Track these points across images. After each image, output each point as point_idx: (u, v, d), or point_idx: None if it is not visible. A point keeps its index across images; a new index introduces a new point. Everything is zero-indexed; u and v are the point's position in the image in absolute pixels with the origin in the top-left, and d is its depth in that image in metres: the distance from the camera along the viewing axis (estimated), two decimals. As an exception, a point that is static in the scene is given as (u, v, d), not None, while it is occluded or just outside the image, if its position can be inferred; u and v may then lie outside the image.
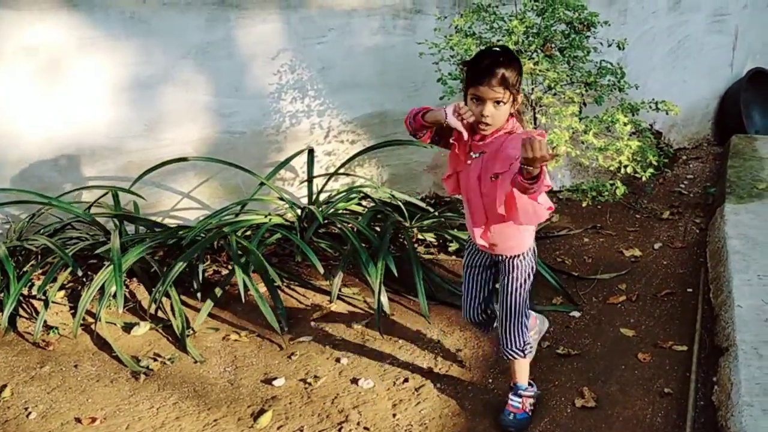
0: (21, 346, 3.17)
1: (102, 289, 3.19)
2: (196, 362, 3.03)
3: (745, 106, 5.95)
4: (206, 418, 2.67)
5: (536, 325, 2.73)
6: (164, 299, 3.32)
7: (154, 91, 3.85)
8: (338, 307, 3.43)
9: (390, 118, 4.38)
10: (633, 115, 3.53)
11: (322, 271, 3.36)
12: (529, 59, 3.46)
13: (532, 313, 2.69)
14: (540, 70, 3.34)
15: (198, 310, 3.34)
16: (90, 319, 3.29)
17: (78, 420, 2.68)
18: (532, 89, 3.64)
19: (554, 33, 3.53)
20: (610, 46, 3.58)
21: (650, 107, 3.57)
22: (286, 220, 3.85)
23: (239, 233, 3.65)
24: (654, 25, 5.04)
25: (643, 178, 3.45)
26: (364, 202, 4.03)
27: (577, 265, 3.83)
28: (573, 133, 3.45)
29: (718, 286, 3.29)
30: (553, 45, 3.48)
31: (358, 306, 3.45)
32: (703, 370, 2.86)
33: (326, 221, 3.69)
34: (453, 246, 3.87)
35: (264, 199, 3.91)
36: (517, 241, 2.41)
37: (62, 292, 3.52)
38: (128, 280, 3.54)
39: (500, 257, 2.46)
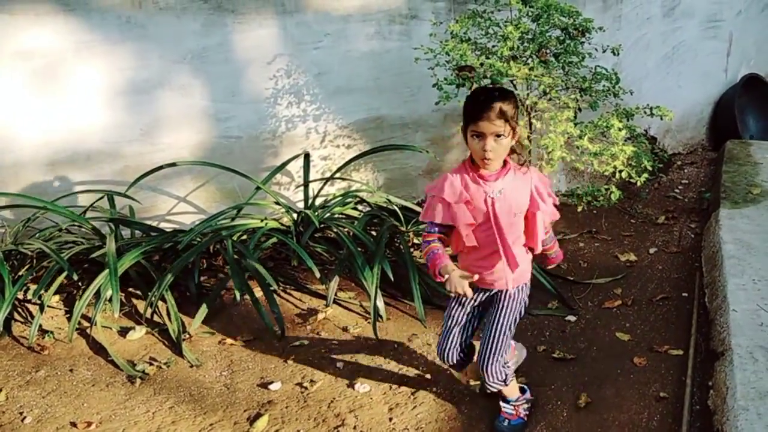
0: (16, 350, 3.16)
1: (97, 294, 3.18)
2: (192, 366, 3.02)
3: (740, 111, 5.97)
4: (202, 422, 2.67)
5: (515, 356, 2.76)
6: (160, 303, 3.31)
7: (150, 95, 3.85)
8: (334, 311, 3.43)
9: (386, 123, 4.39)
10: (628, 120, 3.54)
11: (318, 275, 3.36)
12: (524, 64, 3.48)
13: (512, 342, 2.72)
14: (535, 76, 3.36)
15: (194, 315, 3.33)
16: (85, 324, 3.29)
17: (73, 424, 2.67)
18: (527, 94, 3.65)
19: (549, 39, 3.54)
20: (604, 51, 3.60)
21: (645, 112, 3.59)
22: (282, 225, 3.85)
23: (235, 237, 3.66)
24: (648, 32, 5.06)
25: (638, 183, 3.46)
26: (360, 207, 4.03)
27: (573, 269, 3.84)
28: (568, 138, 3.46)
29: (714, 291, 3.31)
30: (548, 50, 3.49)
31: (354, 310, 3.45)
32: (699, 375, 2.86)
33: (322, 225, 3.69)
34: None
35: (260, 203, 3.91)
36: (525, 269, 2.46)
37: (57, 297, 3.52)
38: (124, 285, 3.52)
39: (500, 291, 2.46)
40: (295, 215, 3.86)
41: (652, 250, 4.04)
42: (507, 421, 2.59)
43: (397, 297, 3.54)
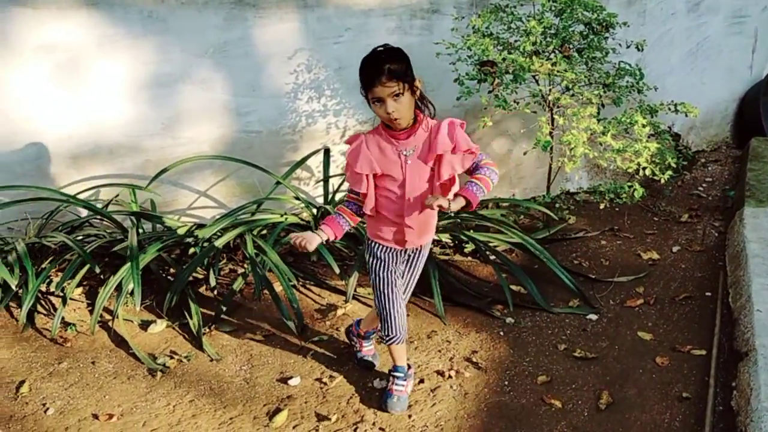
0: (39, 342, 3.19)
1: (119, 287, 3.20)
2: (212, 360, 3.03)
3: (765, 108, 5.89)
4: (222, 416, 2.68)
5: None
6: (181, 297, 3.32)
7: (171, 89, 3.86)
8: (353, 307, 3.43)
9: (406, 119, 4.37)
10: (651, 116, 3.50)
11: (337, 271, 3.36)
12: (546, 60, 3.44)
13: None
14: (558, 71, 3.32)
15: (214, 309, 3.35)
16: (107, 316, 3.31)
17: (95, 416, 2.69)
18: (550, 90, 3.62)
19: (572, 34, 3.50)
20: (628, 47, 3.56)
21: (669, 109, 3.54)
22: (302, 220, 3.85)
23: (255, 232, 3.66)
24: (672, 27, 5.00)
25: (662, 180, 3.42)
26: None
27: (594, 267, 3.81)
28: (591, 134, 3.42)
29: (737, 290, 3.26)
30: (571, 46, 3.46)
31: (372, 306, 3.44)
32: (722, 375, 2.83)
33: (342, 221, 3.68)
34: (469, 247, 3.85)
35: (280, 198, 3.91)
36: (433, 226, 2.53)
37: (80, 289, 3.54)
38: (145, 278, 3.54)
39: (413, 249, 2.53)
40: (314, 210, 3.86)
41: (675, 249, 3.99)
42: (397, 397, 2.67)
43: (417, 294, 3.52)
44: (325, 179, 4.05)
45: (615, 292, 3.54)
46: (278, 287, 3.37)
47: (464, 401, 2.74)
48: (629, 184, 3.62)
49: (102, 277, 3.49)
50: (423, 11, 4.18)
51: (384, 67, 2.15)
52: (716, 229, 4.22)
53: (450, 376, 2.89)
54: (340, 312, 3.38)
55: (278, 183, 3.92)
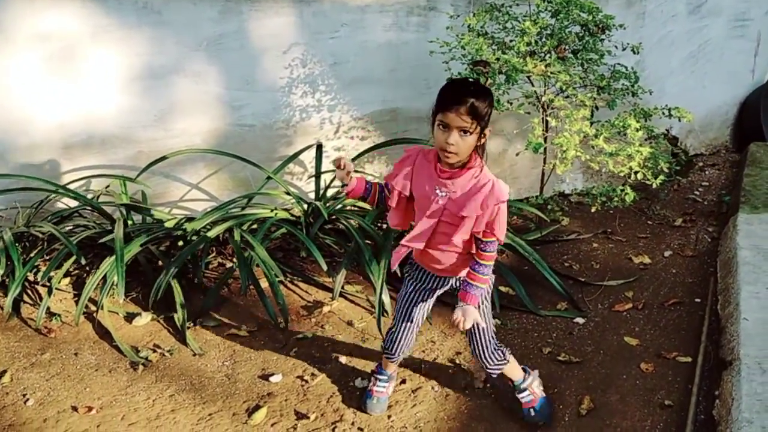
0: (24, 332, 3.18)
1: (105, 278, 3.19)
2: (195, 355, 3.02)
3: (765, 113, 5.84)
4: (201, 411, 2.67)
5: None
6: (167, 290, 3.31)
7: (165, 81, 3.85)
8: (340, 304, 3.42)
9: (401, 116, 4.35)
10: (646, 120, 3.47)
11: (325, 267, 3.34)
12: (541, 61, 3.41)
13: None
14: (552, 72, 3.29)
15: (200, 303, 3.34)
16: (93, 308, 3.30)
17: (74, 408, 2.69)
18: (544, 91, 3.59)
19: (568, 35, 3.47)
20: (624, 49, 3.52)
21: (663, 113, 3.51)
22: (293, 215, 3.83)
23: (245, 227, 3.65)
24: (673, 29, 4.96)
25: (654, 185, 3.39)
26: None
27: (585, 270, 3.79)
28: (584, 136, 3.40)
29: (727, 298, 3.24)
30: (566, 47, 3.43)
31: (360, 304, 3.43)
32: (706, 384, 2.81)
33: (332, 217, 3.67)
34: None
35: (271, 193, 3.90)
36: (461, 268, 2.37)
37: (67, 280, 3.54)
38: (132, 270, 3.54)
39: (449, 279, 2.42)
40: (305, 206, 3.85)
41: (667, 253, 3.97)
42: (530, 409, 2.60)
43: (405, 292, 3.51)
44: (317, 175, 4.03)
45: (604, 296, 3.52)
46: (265, 283, 3.36)
47: (445, 403, 2.73)
48: (621, 187, 3.59)
49: (89, 268, 3.48)
50: (420, 8, 4.15)
51: (469, 100, 2.03)
52: (710, 234, 4.20)
53: (432, 377, 2.88)
54: (326, 309, 3.37)
55: (269, 178, 3.90)
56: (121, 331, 3.18)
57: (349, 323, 3.27)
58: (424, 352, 3.06)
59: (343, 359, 2.99)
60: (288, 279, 3.61)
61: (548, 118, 3.57)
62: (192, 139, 3.98)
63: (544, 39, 3.49)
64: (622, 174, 3.39)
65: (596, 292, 3.56)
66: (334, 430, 2.58)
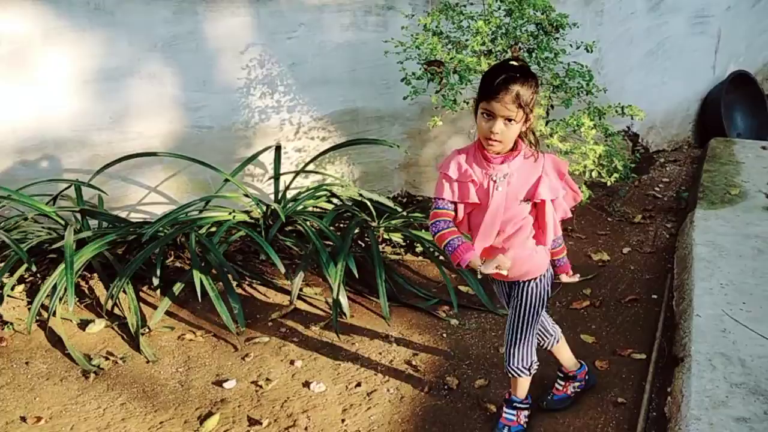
0: (-26, 341, 3.13)
1: (56, 286, 3.14)
2: (148, 362, 2.98)
3: (727, 109, 5.91)
4: (152, 420, 2.64)
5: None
6: (123, 296, 3.27)
7: (120, 83, 3.79)
8: (298, 307, 3.39)
9: (361, 116, 4.33)
10: (600, 118, 3.48)
11: (283, 270, 3.31)
12: (496, 60, 3.41)
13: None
14: (506, 72, 3.29)
15: (156, 308, 3.30)
16: (47, 315, 3.25)
17: (23, 419, 2.64)
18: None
19: (522, 34, 3.47)
20: (578, 48, 3.53)
21: (616, 111, 3.52)
22: (252, 218, 3.80)
23: (204, 230, 3.61)
24: (632, 26, 4.99)
25: (609, 183, 3.41)
26: (335, 200, 3.98)
27: (544, 268, 3.80)
28: (540, 136, 3.40)
29: (681, 294, 3.27)
30: (520, 46, 3.43)
31: (318, 306, 3.41)
32: (659, 381, 2.83)
33: (292, 219, 3.65)
34: (420, 247, 3.83)
35: (229, 196, 3.86)
36: (539, 262, 2.34)
37: (21, 287, 3.48)
38: (87, 276, 3.49)
39: (516, 282, 2.37)
40: (264, 208, 3.81)
41: (625, 250, 3.99)
42: (507, 428, 2.53)
43: (364, 294, 3.50)
44: (276, 177, 4.00)
45: (562, 294, 3.53)
46: (221, 287, 3.32)
47: (400, 405, 2.72)
48: (577, 185, 3.60)
49: (38, 275, 3.43)
50: (378, 7, 4.14)
51: (513, 88, 1.98)
52: (668, 230, 4.23)
53: (388, 379, 2.87)
54: (283, 313, 3.34)
55: (227, 180, 3.87)
56: (73, 339, 3.13)
57: (307, 326, 3.25)
58: (381, 353, 3.05)
59: (298, 363, 2.97)
60: (247, 282, 3.58)
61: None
62: (149, 141, 3.93)
63: (499, 38, 3.48)
64: (577, 173, 3.40)
65: (555, 290, 3.56)
66: (287, 435, 2.56)
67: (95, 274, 3.50)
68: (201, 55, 3.90)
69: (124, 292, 3.24)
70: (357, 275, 3.25)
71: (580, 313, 3.37)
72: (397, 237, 3.90)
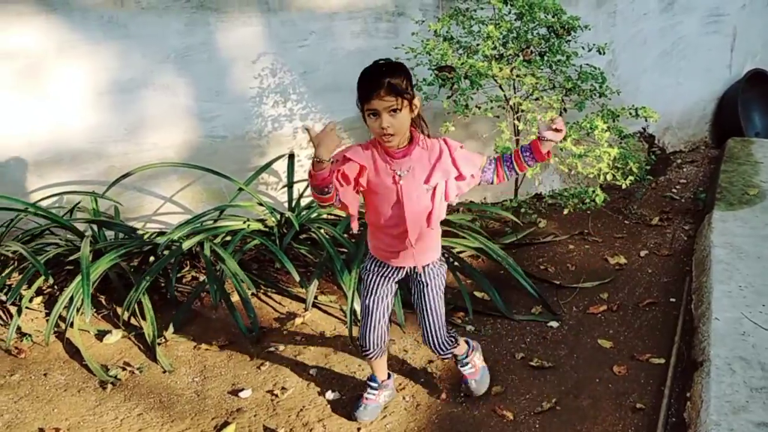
0: (-7, 353, 3.16)
1: (74, 297, 3.16)
2: (165, 372, 3.00)
3: (745, 108, 5.85)
4: (169, 430, 2.64)
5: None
6: (138, 307, 3.29)
7: (134, 95, 3.83)
8: (313, 315, 3.39)
9: (374, 122, 4.33)
10: (614, 121, 3.45)
11: (297, 278, 3.33)
12: (507, 64, 3.40)
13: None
14: (517, 75, 3.28)
15: (172, 318, 3.32)
16: (65, 327, 3.27)
17: (42, 430, 2.66)
18: (512, 94, 3.58)
19: (534, 37, 3.46)
20: (590, 50, 3.51)
21: (630, 113, 3.50)
22: (266, 226, 3.81)
23: (218, 239, 3.62)
24: (645, 27, 4.95)
25: (624, 186, 3.38)
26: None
27: (560, 273, 3.78)
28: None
29: (700, 297, 3.23)
30: (532, 50, 3.41)
31: (333, 314, 3.41)
32: (679, 385, 2.79)
33: (306, 227, 3.65)
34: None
35: (243, 205, 3.87)
36: (433, 248, 2.44)
37: (39, 299, 3.51)
38: (104, 287, 3.51)
39: (411, 270, 2.45)
40: (279, 216, 3.82)
41: (643, 253, 3.96)
42: (473, 380, 2.72)
43: (379, 300, 3.48)
44: (290, 185, 4.01)
45: (579, 299, 3.51)
46: (236, 296, 3.33)
47: (416, 413, 2.71)
48: (592, 189, 3.58)
49: (56, 287, 3.45)
50: (388, 14, 4.14)
51: (384, 80, 2.07)
52: (686, 232, 4.19)
53: (403, 387, 2.86)
54: (299, 321, 3.34)
55: (241, 189, 3.88)
56: (91, 350, 3.15)
57: (322, 334, 3.25)
58: (396, 361, 3.03)
59: (313, 371, 2.97)
60: (262, 291, 3.59)
61: (516, 122, 3.55)
62: (164, 152, 3.96)
63: (510, 42, 3.47)
64: (591, 176, 3.37)
65: (571, 295, 3.55)
66: (303, 444, 2.56)
67: (111, 285, 3.52)
68: (214, 66, 3.92)
69: (141, 302, 3.26)
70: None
71: (597, 317, 3.34)
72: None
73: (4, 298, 3.42)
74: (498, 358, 3.05)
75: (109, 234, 3.78)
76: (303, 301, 3.47)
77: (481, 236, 3.69)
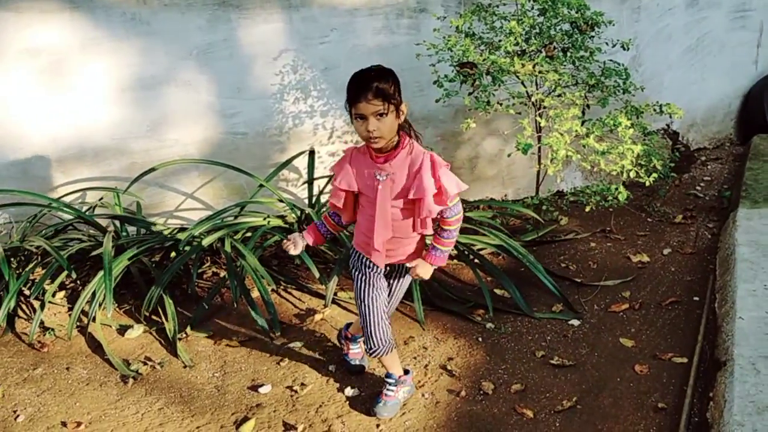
0: (17, 347, 3.19)
1: (96, 292, 3.19)
2: (185, 367, 3.01)
3: (770, 104, 5.76)
4: (189, 425, 2.66)
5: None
6: (160, 302, 3.31)
7: (156, 91, 3.85)
8: (333, 311, 3.40)
9: (395, 119, 4.32)
10: (638, 117, 3.41)
11: (317, 274, 3.33)
12: (530, 60, 3.37)
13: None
14: (539, 72, 3.25)
15: (193, 314, 3.33)
16: (87, 321, 3.30)
17: (64, 424, 2.69)
18: (534, 91, 3.55)
19: (557, 33, 3.43)
20: (614, 46, 3.47)
21: (654, 110, 3.45)
22: (286, 222, 3.82)
23: (239, 236, 3.64)
24: (670, 23, 4.89)
25: (647, 183, 3.34)
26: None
27: (582, 270, 3.74)
28: (576, 136, 3.35)
29: (724, 296, 3.18)
30: (554, 46, 3.38)
31: (353, 311, 3.41)
32: (701, 385, 2.76)
33: (325, 224, 3.65)
34: (454, 250, 3.80)
35: (263, 201, 3.89)
36: (408, 251, 2.48)
37: (62, 293, 3.55)
38: (126, 282, 3.54)
39: (394, 266, 2.52)
40: (299, 212, 3.83)
41: (666, 251, 3.91)
42: (386, 402, 2.65)
43: (399, 297, 3.48)
44: (310, 181, 4.02)
45: (600, 297, 3.48)
46: (256, 292, 3.34)
47: (435, 410, 2.70)
48: (615, 186, 3.54)
49: (78, 281, 3.49)
50: (410, 10, 4.13)
51: (371, 85, 2.14)
52: (710, 230, 4.13)
53: (423, 384, 2.85)
54: (318, 317, 3.35)
55: (261, 186, 3.89)
56: (113, 344, 3.18)
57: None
58: (416, 358, 3.03)
59: (332, 367, 2.97)
60: (282, 287, 3.60)
61: (538, 118, 3.53)
62: (186, 148, 3.98)
63: (533, 38, 3.44)
64: (614, 173, 3.34)
65: (593, 293, 3.51)
66: (322, 440, 2.56)
67: (133, 280, 3.55)
68: (235, 62, 3.93)
69: (162, 297, 3.28)
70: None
71: (619, 316, 3.31)
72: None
73: (27, 292, 3.47)
74: (518, 356, 3.03)
75: (131, 229, 3.82)
76: (323, 297, 3.48)
77: (502, 233, 3.67)
